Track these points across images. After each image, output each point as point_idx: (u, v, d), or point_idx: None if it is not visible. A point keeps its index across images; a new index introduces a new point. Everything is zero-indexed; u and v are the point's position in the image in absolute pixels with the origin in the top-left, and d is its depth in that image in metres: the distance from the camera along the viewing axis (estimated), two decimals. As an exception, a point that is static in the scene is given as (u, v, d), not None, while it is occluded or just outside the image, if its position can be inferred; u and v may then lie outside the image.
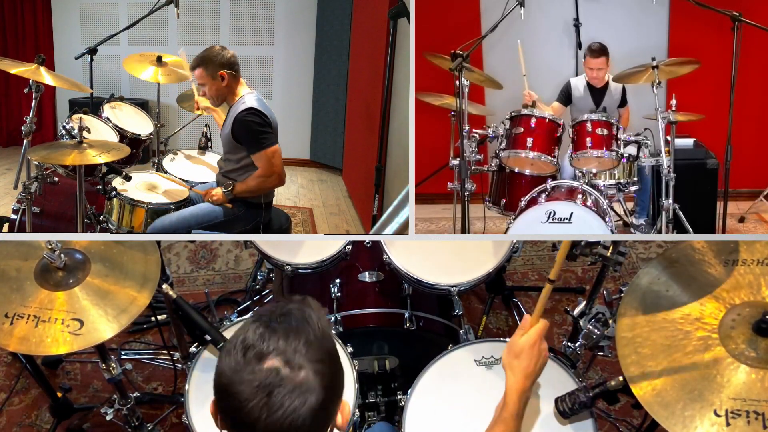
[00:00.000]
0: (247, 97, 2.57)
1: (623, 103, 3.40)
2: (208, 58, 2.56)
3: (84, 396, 2.84)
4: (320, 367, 1.09)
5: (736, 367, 1.50)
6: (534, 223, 2.65)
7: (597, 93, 3.36)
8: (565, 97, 3.40)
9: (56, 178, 2.73)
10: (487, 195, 3.15)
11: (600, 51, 3.25)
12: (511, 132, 2.97)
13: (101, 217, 2.75)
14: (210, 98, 2.64)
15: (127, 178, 2.63)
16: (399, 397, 2.05)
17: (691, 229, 2.93)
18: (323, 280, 2.49)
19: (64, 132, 2.71)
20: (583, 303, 2.18)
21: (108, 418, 2.28)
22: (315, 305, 1.16)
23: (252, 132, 2.52)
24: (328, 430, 1.14)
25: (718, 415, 1.44)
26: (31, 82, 2.61)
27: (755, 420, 1.42)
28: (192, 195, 2.80)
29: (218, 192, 2.64)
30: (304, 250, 2.43)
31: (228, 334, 2.07)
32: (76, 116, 2.70)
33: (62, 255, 1.87)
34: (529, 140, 2.91)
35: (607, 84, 3.34)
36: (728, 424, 1.43)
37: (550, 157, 2.92)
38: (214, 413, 1.16)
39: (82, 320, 1.82)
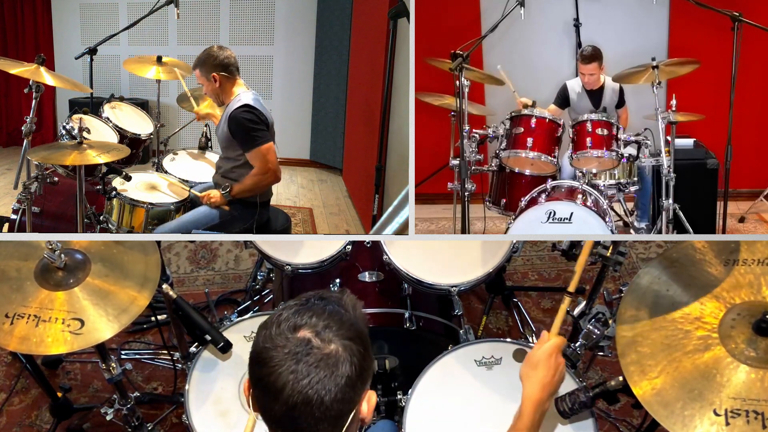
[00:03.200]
0: (242, 95, 2.60)
1: (621, 103, 3.40)
2: (203, 59, 2.61)
3: (84, 396, 2.84)
4: (350, 345, 1.13)
5: (736, 367, 1.50)
6: (534, 223, 2.66)
7: (594, 95, 3.37)
8: (562, 99, 3.40)
9: (56, 178, 2.74)
10: (487, 195, 3.15)
11: (591, 57, 3.24)
12: (511, 132, 2.97)
13: (101, 217, 2.75)
14: (209, 97, 2.72)
15: (127, 178, 2.64)
16: (399, 397, 2.05)
17: (691, 229, 2.93)
18: (323, 280, 2.49)
19: (64, 132, 2.71)
20: (583, 303, 2.18)
21: (108, 418, 2.28)
22: (352, 297, 1.24)
23: (245, 128, 2.54)
24: (352, 415, 1.15)
25: (717, 415, 1.44)
26: (31, 82, 2.62)
27: (754, 419, 1.42)
28: (192, 195, 2.80)
29: (216, 194, 2.65)
30: (304, 250, 2.43)
31: (228, 334, 2.07)
32: (76, 116, 2.70)
33: (62, 255, 1.87)
34: (530, 140, 2.91)
35: (602, 86, 3.35)
36: (728, 424, 1.43)
37: (550, 157, 2.92)
38: (246, 390, 1.20)
39: (83, 320, 1.82)
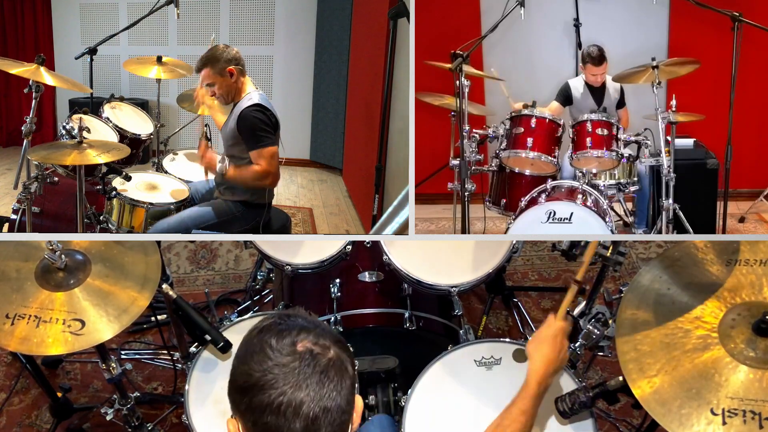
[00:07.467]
0: (253, 94, 2.59)
1: (621, 104, 3.40)
2: (214, 56, 2.56)
3: (84, 396, 2.84)
4: (343, 348, 1.14)
5: (735, 367, 1.51)
6: (534, 223, 2.66)
7: (596, 93, 3.37)
8: (564, 98, 3.40)
9: (56, 178, 2.73)
10: (487, 195, 3.15)
11: (600, 58, 3.26)
12: (512, 132, 2.97)
13: (101, 217, 2.75)
14: (219, 97, 2.61)
15: (127, 178, 2.64)
16: (399, 397, 2.05)
17: (691, 230, 2.93)
18: (323, 280, 2.49)
19: (64, 132, 2.71)
20: (583, 303, 2.18)
21: (108, 418, 2.28)
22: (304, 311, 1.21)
23: (254, 128, 2.52)
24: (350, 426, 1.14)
25: (714, 414, 1.45)
26: (31, 82, 2.61)
27: (751, 419, 1.43)
28: (192, 194, 2.80)
29: (214, 159, 2.61)
30: (304, 250, 2.43)
31: (228, 334, 2.07)
32: (76, 116, 2.70)
33: (63, 255, 1.87)
34: (530, 140, 2.91)
35: (605, 84, 3.35)
36: (725, 423, 1.43)
37: (550, 157, 2.92)
38: (237, 428, 1.12)
39: (83, 320, 1.82)
